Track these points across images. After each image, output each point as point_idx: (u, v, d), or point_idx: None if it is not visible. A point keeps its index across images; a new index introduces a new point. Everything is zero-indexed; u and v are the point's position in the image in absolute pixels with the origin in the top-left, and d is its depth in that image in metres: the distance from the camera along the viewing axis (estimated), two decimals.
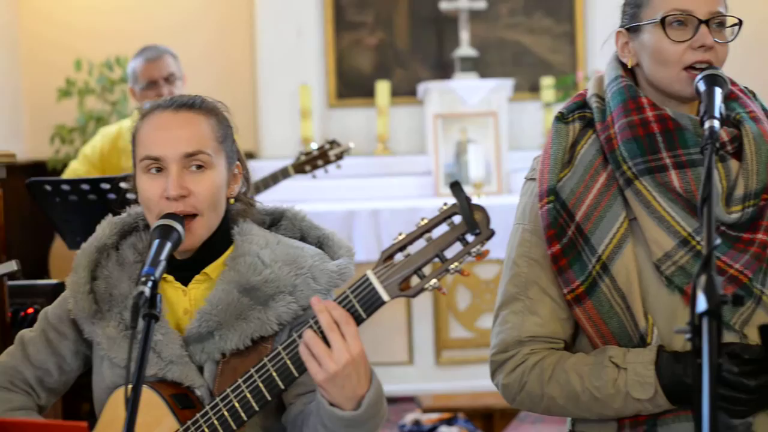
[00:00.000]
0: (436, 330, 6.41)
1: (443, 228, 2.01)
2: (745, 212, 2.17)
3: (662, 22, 2.19)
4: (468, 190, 6.55)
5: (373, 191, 6.69)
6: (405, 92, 7.04)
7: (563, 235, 2.21)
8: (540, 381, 2.23)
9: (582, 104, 2.32)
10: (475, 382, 5.90)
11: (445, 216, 2.01)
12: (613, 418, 2.20)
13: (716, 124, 1.96)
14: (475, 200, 2.01)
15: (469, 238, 1.99)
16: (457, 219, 2.00)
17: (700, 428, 1.53)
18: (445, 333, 6.43)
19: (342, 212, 6.21)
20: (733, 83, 2.31)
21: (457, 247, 2.00)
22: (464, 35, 6.95)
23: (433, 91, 6.88)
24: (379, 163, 6.89)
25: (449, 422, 5.32)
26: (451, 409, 5.14)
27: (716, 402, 2.03)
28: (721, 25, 2.22)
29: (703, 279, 1.63)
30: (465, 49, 6.95)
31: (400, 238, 2.03)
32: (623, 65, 2.30)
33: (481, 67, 7.02)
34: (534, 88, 7.03)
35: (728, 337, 2.14)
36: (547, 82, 6.87)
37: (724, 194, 2.17)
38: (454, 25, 6.99)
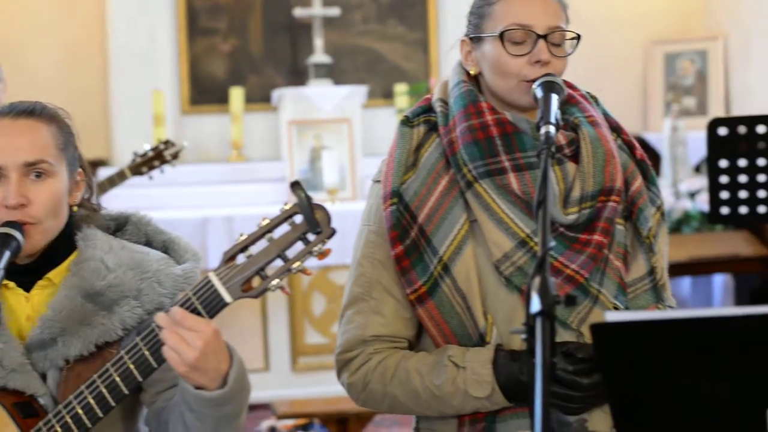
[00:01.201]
0: (291, 336, 6.42)
1: (285, 228, 2.02)
2: (582, 214, 2.23)
3: (501, 36, 2.24)
4: (323, 196, 6.58)
5: (228, 198, 6.66)
6: (259, 99, 7.03)
7: (406, 236, 2.25)
8: (383, 380, 2.27)
9: (427, 108, 2.36)
10: (331, 388, 5.89)
11: (286, 216, 2.02)
12: (453, 415, 2.24)
13: (552, 129, 2.02)
14: (316, 201, 2.03)
15: (311, 237, 2.00)
16: (298, 219, 2.02)
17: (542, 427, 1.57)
18: (301, 339, 6.43)
19: (196, 219, 6.17)
20: (574, 88, 2.38)
21: (299, 246, 2.02)
22: (318, 42, 6.97)
23: (287, 97, 6.89)
24: (234, 170, 6.87)
25: (305, 428, 5.33)
26: (306, 415, 5.15)
27: (551, 399, 2.11)
28: (561, 39, 2.27)
29: (537, 280, 1.68)
30: (319, 56, 6.98)
31: (242, 238, 2.03)
32: (467, 71, 2.34)
33: (336, 73, 7.06)
34: (388, 95, 7.09)
35: (566, 336, 2.20)
36: (400, 88, 6.94)
37: (561, 196, 2.23)
38: (308, 31, 7.02)
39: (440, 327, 2.24)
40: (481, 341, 2.22)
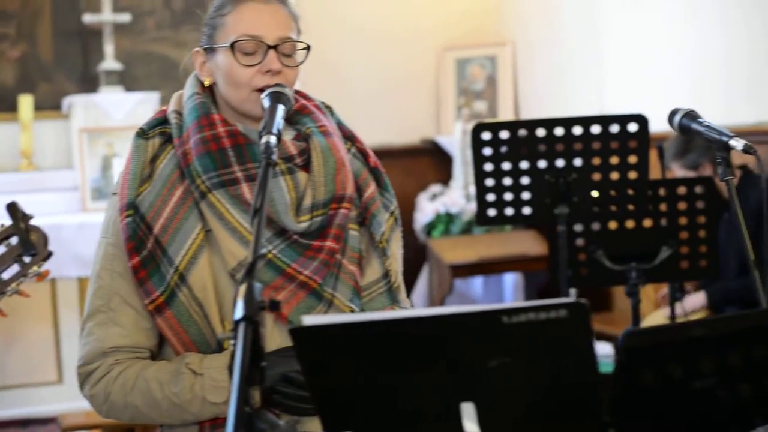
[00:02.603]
0: None
1: (1, 249, 2.02)
2: (314, 221, 2.29)
3: (232, 46, 2.29)
4: None
5: None
6: (50, 106, 6.90)
7: (143, 247, 2.27)
8: (123, 390, 2.28)
9: (163, 120, 2.40)
10: None
11: (1, 237, 2.02)
12: (194, 422, 2.28)
13: (272, 139, 2.05)
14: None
15: (27, 259, 2.01)
16: (14, 240, 2.02)
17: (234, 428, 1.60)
18: None
19: None
20: (309, 99, 2.44)
21: (16, 268, 2.02)
22: (109, 48, 6.89)
23: (77, 105, 6.78)
24: (25, 180, 6.71)
25: None
26: (93, 426, 5.09)
27: (285, 401, 2.18)
28: (291, 49, 2.32)
29: (243, 287, 1.72)
30: (110, 63, 6.90)
31: None
32: (202, 83, 2.38)
33: (127, 80, 6.99)
34: None
35: None
36: None
37: (293, 205, 2.29)
38: (98, 38, 6.92)
39: (179, 336, 2.27)
40: (220, 348, 2.26)
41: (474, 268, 6.62)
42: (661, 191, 4.19)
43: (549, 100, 7.13)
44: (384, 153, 7.36)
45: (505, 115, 7.42)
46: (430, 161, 7.39)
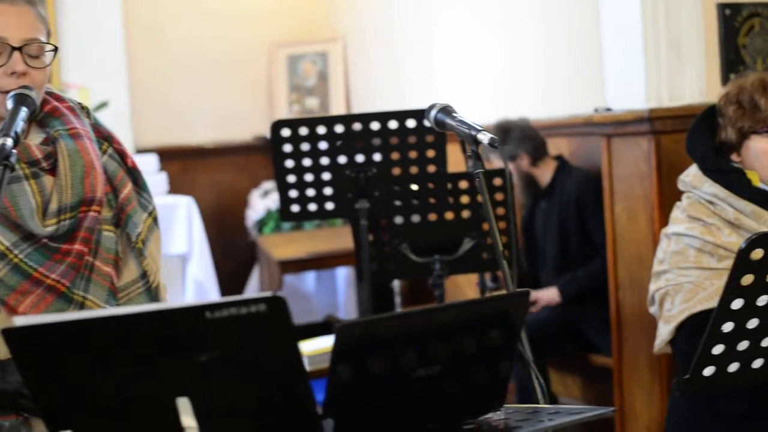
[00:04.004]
0: None
1: None
2: (62, 225, 2.30)
3: None
4: None
5: None
6: None
7: None
8: None
9: None
10: None
11: None
12: None
13: (9, 142, 2.05)
14: None
15: None
16: None
17: None
18: None
19: None
20: (62, 100, 2.44)
21: None
22: None
23: None
24: None
25: None
26: None
27: (30, 405, 2.18)
28: (39, 51, 2.32)
29: None
30: None
31: None
32: None
33: None
34: None
35: None
36: None
37: (39, 209, 2.29)
38: None
39: None
40: None
41: (303, 264, 6.66)
42: (462, 184, 4.28)
43: (382, 95, 7.21)
44: (217, 150, 7.44)
45: (337, 110, 7.47)
46: (262, 158, 7.40)
